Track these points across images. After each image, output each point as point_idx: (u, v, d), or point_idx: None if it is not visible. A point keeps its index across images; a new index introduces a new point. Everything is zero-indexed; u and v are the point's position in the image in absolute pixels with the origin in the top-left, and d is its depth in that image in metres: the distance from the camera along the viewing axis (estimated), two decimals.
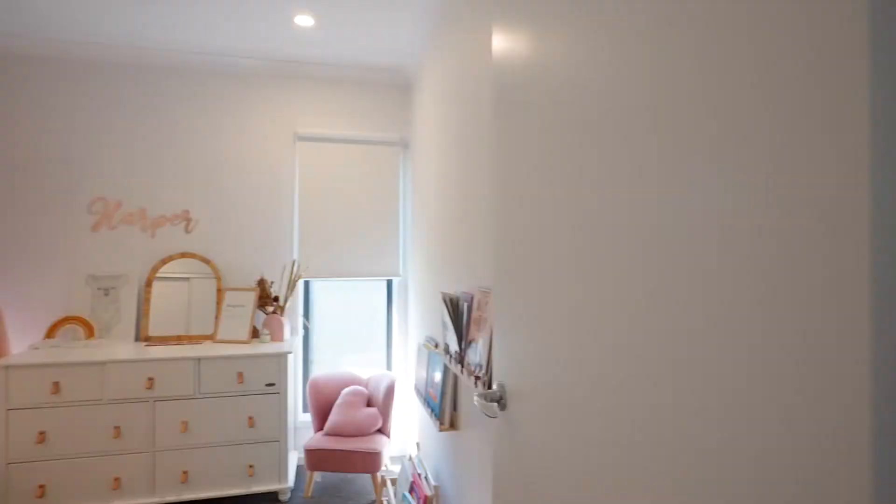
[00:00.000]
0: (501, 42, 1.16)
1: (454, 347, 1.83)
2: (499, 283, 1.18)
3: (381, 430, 2.97)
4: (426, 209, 2.86)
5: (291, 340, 3.05)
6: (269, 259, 3.21)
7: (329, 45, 2.96)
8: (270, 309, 3.03)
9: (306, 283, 3.37)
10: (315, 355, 3.45)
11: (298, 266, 3.19)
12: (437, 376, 2.23)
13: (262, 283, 3.07)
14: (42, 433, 2.44)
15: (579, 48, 0.83)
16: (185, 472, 2.59)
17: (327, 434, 2.87)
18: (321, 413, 3.02)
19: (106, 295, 2.93)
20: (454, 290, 2.07)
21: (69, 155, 2.95)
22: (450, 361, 1.91)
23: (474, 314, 1.70)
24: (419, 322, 3.03)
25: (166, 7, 2.49)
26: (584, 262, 0.82)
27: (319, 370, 3.39)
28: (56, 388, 2.45)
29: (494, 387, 1.17)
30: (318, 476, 3.00)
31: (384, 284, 3.51)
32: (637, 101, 0.68)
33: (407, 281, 3.42)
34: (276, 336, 2.97)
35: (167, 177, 3.09)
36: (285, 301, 3.08)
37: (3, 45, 2.83)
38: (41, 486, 2.44)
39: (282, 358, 2.72)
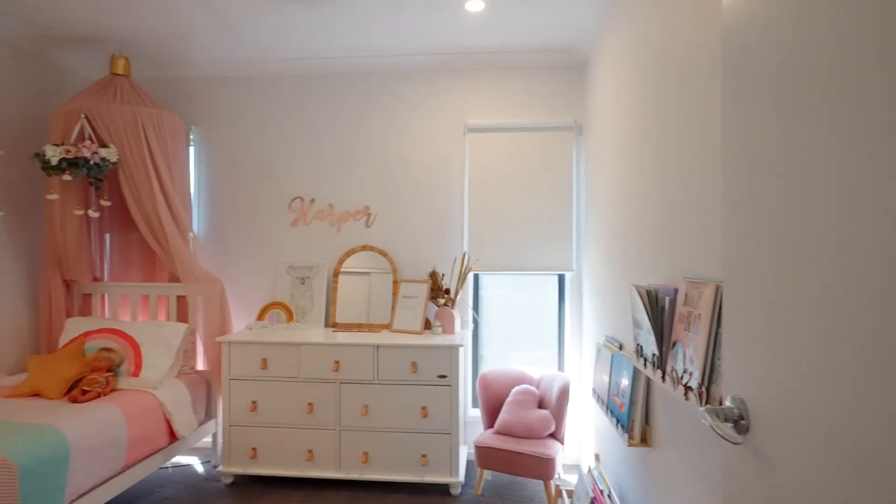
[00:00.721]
0: None
1: (651, 350, 1.55)
2: (735, 272, 0.90)
3: (554, 436, 2.77)
4: (605, 196, 2.57)
5: (462, 333, 3.03)
6: (441, 251, 3.24)
7: (498, 31, 2.85)
8: (442, 301, 3.04)
9: (476, 276, 3.33)
10: (484, 350, 3.39)
11: (468, 258, 3.16)
12: (624, 382, 1.94)
13: (434, 275, 3.10)
14: (254, 402, 2.78)
15: None
16: (365, 453, 2.72)
17: (497, 432, 2.77)
18: (491, 410, 2.93)
19: (302, 283, 3.26)
20: (647, 282, 1.77)
21: (273, 159, 3.36)
22: (644, 366, 1.63)
23: (679, 310, 1.40)
24: (596, 320, 2.75)
25: (348, 17, 2.65)
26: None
27: (488, 365, 3.32)
28: (264, 363, 2.78)
29: (727, 402, 0.90)
30: (488, 475, 2.91)
31: (555, 279, 3.30)
32: None
33: (581, 276, 3.15)
34: (448, 328, 2.97)
35: (350, 175, 3.32)
36: (456, 294, 3.07)
37: (221, 70, 3.33)
38: (254, 449, 2.78)
39: (453, 350, 2.69)
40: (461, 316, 3.17)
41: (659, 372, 1.48)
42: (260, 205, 3.36)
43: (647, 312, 1.51)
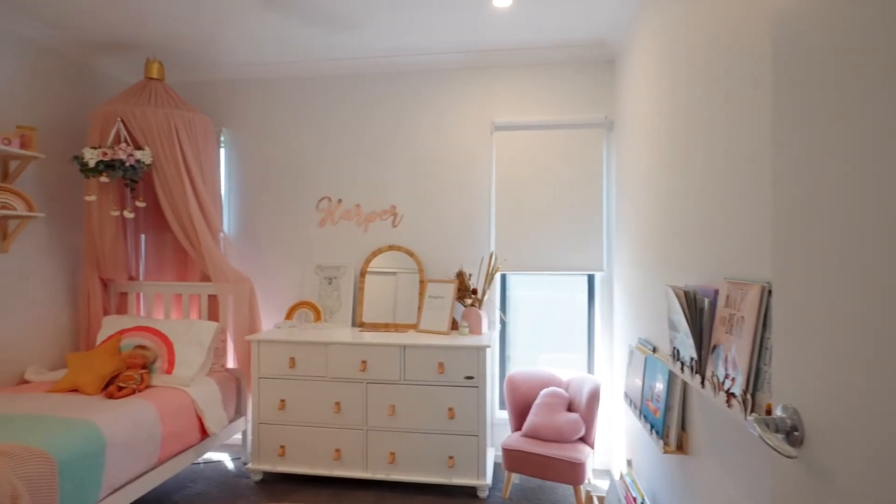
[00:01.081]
0: None
1: (688, 353, 1.48)
2: (787, 272, 0.84)
3: (584, 440, 2.70)
4: (637, 193, 2.50)
5: (489, 334, 2.99)
6: (468, 251, 3.21)
7: (525, 27, 2.80)
8: (469, 301, 3.01)
9: (503, 277, 3.28)
10: (511, 351, 3.34)
11: (496, 258, 3.12)
12: (659, 386, 1.87)
13: (460, 275, 3.07)
14: (282, 401, 2.80)
15: None
16: (392, 454, 2.71)
17: (525, 435, 2.72)
18: (518, 412, 2.88)
19: (329, 283, 3.28)
20: (684, 283, 1.70)
21: (301, 160, 3.39)
22: (680, 370, 1.56)
23: (720, 312, 1.33)
24: (628, 322, 2.67)
25: (376, 18, 2.64)
26: None
27: (516, 367, 3.27)
28: (292, 362, 2.80)
29: (778, 411, 0.84)
30: (515, 478, 2.87)
31: (585, 280, 3.22)
32: None
33: (612, 276, 3.07)
34: (475, 329, 2.93)
35: (377, 174, 3.32)
36: (483, 294, 3.03)
37: (250, 73, 3.37)
38: (282, 447, 2.80)
39: (481, 351, 2.65)
40: (488, 316, 3.13)
41: (698, 377, 1.41)
42: (288, 205, 3.40)
43: (685, 314, 1.45)
